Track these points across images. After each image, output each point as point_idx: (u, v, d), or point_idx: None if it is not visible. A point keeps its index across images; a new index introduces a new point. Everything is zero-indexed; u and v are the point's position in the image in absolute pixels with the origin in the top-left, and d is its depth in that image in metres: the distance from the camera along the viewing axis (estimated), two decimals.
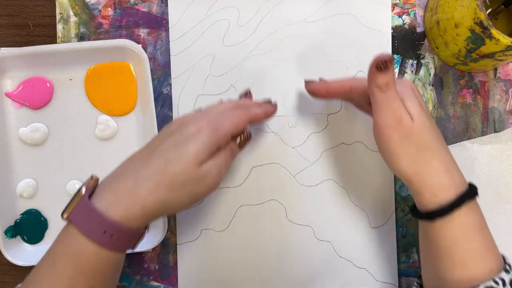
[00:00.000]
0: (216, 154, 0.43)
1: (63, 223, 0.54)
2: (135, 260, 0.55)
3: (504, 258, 0.42)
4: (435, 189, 0.40)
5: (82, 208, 0.39)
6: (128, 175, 0.40)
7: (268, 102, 0.50)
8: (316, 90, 0.49)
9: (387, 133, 0.41)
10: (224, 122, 0.43)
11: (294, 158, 0.55)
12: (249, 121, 0.45)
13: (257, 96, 0.54)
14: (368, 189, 0.55)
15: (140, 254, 0.55)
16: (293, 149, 0.55)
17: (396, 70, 0.55)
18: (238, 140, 0.47)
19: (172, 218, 0.55)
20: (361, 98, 0.47)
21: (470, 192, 0.41)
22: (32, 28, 0.55)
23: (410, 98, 0.42)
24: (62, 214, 0.40)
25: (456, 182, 0.41)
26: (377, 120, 0.42)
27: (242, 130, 0.46)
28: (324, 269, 0.55)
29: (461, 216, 0.40)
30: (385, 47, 0.55)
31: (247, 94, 0.51)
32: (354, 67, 0.55)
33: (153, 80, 0.54)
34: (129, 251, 0.53)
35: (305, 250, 0.55)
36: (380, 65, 0.40)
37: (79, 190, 0.40)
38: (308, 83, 0.50)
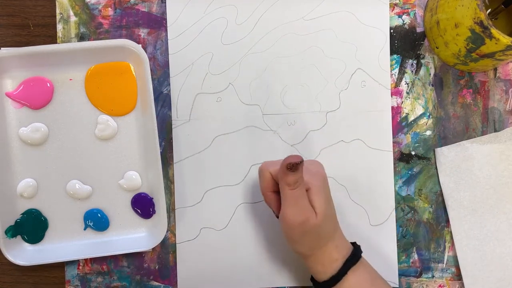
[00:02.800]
0: None
1: (63, 223, 0.54)
2: (135, 260, 0.55)
3: None
4: (326, 264, 0.46)
5: None
6: None
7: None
8: None
9: (292, 226, 0.45)
10: None
11: None
12: None
13: (256, 93, 0.55)
14: (367, 187, 0.55)
15: (140, 254, 0.55)
16: (292, 147, 0.55)
17: (396, 70, 0.55)
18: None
19: (172, 218, 0.55)
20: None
21: (353, 257, 0.47)
22: (32, 28, 0.55)
23: (318, 193, 0.45)
24: None
25: (342, 253, 0.47)
26: (284, 214, 0.45)
27: None
28: None
29: (348, 279, 0.46)
30: (383, 44, 0.55)
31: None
32: (353, 65, 0.55)
33: (153, 80, 0.54)
34: (129, 250, 0.53)
35: None
36: (290, 167, 0.43)
37: None
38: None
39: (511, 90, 0.55)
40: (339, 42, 0.55)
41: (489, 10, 0.50)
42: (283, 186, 0.45)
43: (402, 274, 0.55)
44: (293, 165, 0.43)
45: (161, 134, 0.55)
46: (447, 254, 0.55)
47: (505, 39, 0.45)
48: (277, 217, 0.48)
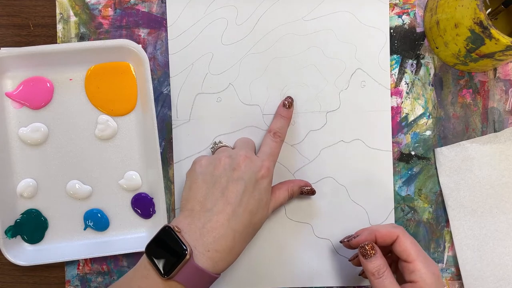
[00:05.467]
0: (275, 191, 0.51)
1: (63, 223, 0.54)
2: (135, 260, 0.55)
3: None
4: None
5: (189, 270, 0.42)
6: (221, 229, 0.44)
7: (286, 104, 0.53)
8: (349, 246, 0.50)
9: None
10: (269, 158, 0.49)
11: (293, 155, 0.55)
12: (281, 144, 0.52)
13: (256, 93, 0.55)
14: (367, 186, 0.55)
15: (140, 254, 0.55)
16: (292, 147, 0.55)
17: (396, 70, 0.55)
18: (304, 189, 0.53)
19: (172, 218, 0.55)
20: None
21: None
22: (32, 28, 0.55)
23: (420, 259, 0.44)
24: (164, 275, 0.42)
25: None
26: None
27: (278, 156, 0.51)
28: (323, 267, 0.55)
29: None
30: (383, 44, 0.55)
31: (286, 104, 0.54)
32: (353, 65, 0.55)
33: (153, 80, 0.54)
34: (129, 250, 0.53)
35: (304, 248, 0.55)
36: (363, 253, 0.45)
37: (182, 254, 0.42)
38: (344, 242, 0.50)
39: (511, 90, 0.55)
40: (339, 42, 0.55)
41: (489, 10, 0.50)
42: (368, 276, 0.45)
43: None
44: (366, 253, 0.44)
45: (161, 134, 0.55)
46: (447, 254, 0.55)
47: (504, 39, 0.45)
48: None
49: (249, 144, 0.51)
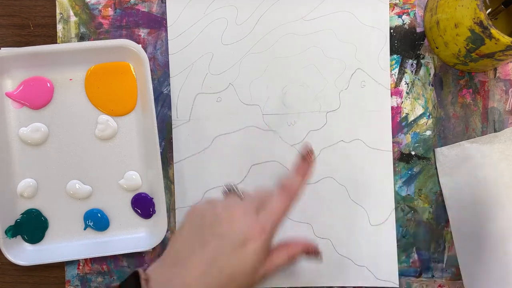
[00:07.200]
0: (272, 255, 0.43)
1: (63, 223, 0.54)
2: (135, 260, 0.55)
3: None
4: None
5: None
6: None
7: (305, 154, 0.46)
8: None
9: None
10: (269, 218, 0.42)
11: (293, 156, 0.55)
12: (292, 203, 0.44)
13: (256, 93, 0.55)
14: (367, 186, 0.55)
15: (140, 254, 0.55)
16: (292, 147, 0.55)
17: (396, 70, 0.55)
18: (306, 252, 0.46)
19: (172, 218, 0.55)
20: None
21: None
22: (32, 28, 0.55)
23: None
24: None
25: None
26: None
27: (285, 216, 0.44)
28: (323, 267, 0.55)
29: None
30: (383, 44, 0.55)
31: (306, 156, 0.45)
32: (353, 65, 0.55)
33: (153, 80, 0.54)
34: (129, 250, 0.53)
35: None
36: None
37: None
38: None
39: (511, 90, 0.55)
40: (339, 42, 0.55)
41: (489, 10, 0.50)
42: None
43: (402, 274, 0.55)
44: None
45: (161, 134, 0.55)
46: (447, 254, 0.55)
47: (505, 39, 0.45)
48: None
49: (260, 197, 0.44)
